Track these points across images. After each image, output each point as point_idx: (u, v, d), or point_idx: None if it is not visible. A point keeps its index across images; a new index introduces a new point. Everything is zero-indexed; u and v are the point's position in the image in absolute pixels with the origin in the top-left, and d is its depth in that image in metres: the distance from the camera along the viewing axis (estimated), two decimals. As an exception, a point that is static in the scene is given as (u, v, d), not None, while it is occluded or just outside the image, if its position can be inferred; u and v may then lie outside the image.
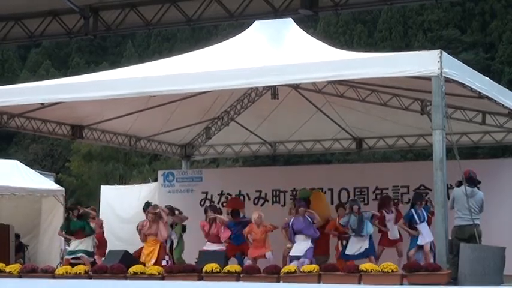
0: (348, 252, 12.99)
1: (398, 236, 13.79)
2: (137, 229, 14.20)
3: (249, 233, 13.31)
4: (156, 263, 12.95)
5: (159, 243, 13.62)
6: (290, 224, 12.92)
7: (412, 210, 12.94)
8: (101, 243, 15.32)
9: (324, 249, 13.83)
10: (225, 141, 19.24)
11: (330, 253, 13.88)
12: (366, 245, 12.91)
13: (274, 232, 13.34)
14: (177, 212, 14.93)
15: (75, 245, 14.51)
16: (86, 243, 14.46)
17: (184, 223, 14.99)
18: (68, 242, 15.30)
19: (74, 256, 14.29)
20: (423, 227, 12.79)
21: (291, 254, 12.73)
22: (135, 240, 14.62)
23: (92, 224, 14.90)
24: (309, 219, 12.85)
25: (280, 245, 13.39)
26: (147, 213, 14.02)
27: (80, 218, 14.74)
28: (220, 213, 14.11)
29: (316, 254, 12.95)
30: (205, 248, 13.37)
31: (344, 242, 13.29)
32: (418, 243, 12.74)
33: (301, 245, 12.65)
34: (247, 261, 13.09)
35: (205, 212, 14.03)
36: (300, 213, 12.89)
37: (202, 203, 17.48)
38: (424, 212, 12.94)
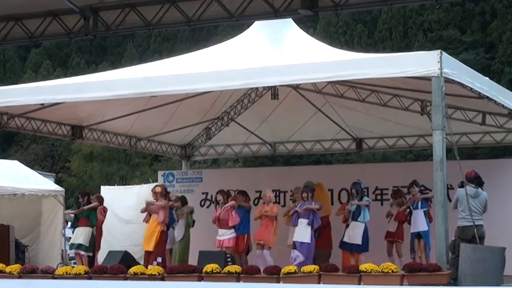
0: (344, 239, 13.03)
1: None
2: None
3: (260, 211, 13.44)
4: (154, 251, 13.38)
5: (159, 227, 13.71)
6: (296, 208, 13.02)
7: None
8: (98, 233, 15.35)
9: (327, 243, 13.87)
10: (225, 142, 19.22)
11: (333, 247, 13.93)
12: (358, 238, 12.83)
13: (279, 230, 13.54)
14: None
15: (76, 235, 14.76)
16: (85, 235, 14.65)
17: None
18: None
19: (75, 251, 14.59)
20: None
21: (293, 239, 12.82)
22: (135, 240, 14.63)
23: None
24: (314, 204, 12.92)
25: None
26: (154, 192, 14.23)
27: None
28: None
29: (318, 248, 13.03)
30: (219, 238, 13.43)
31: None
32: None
33: (302, 230, 12.75)
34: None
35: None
36: (304, 198, 13.00)
37: (202, 203, 17.50)
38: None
